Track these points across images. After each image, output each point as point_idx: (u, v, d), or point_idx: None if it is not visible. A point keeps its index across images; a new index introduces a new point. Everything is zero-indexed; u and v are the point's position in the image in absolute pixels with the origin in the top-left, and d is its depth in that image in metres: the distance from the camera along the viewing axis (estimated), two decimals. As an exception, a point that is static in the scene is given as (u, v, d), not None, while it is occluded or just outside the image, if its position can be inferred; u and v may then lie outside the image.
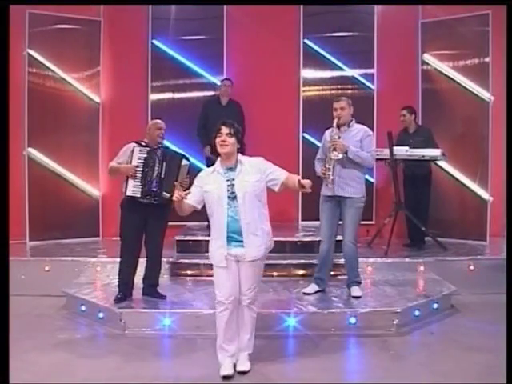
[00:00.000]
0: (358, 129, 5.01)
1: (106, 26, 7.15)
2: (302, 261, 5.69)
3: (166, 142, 7.02)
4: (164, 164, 4.77)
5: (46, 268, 5.75)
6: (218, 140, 3.72)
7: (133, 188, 4.76)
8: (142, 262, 5.01)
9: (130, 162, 4.79)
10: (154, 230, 4.90)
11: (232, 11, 7.22)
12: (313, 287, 5.11)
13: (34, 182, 6.82)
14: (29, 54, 6.78)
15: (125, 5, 6.94)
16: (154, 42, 7.21)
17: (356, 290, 5.04)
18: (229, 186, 3.69)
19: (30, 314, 5.06)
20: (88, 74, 7.11)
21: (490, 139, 6.73)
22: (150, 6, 7.16)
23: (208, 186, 3.72)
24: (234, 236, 3.69)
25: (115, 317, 4.65)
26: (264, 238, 3.75)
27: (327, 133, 5.10)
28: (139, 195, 4.76)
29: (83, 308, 4.99)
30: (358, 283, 5.12)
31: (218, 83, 6.94)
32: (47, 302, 5.32)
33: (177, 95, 7.31)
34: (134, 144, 4.88)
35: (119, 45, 7.22)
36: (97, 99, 7.16)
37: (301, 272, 5.64)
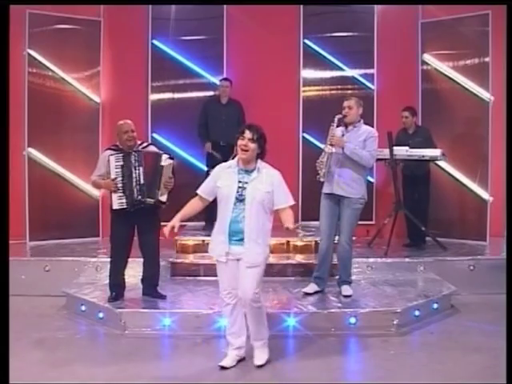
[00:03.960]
0: (364, 129, 5.00)
1: (106, 26, 7.13)
2: (302, 261, 5.68)
3: (165, 142, 7.12)
4: (140, 169, 4.67)
5: (46, 268, 5.76)
6: (239, 143, 3.72)
7: (118, 200, 4.72)
8: (139, 263, 5.02)
9: (110, 173, 4.74)
10: (146, 234, 4.89)
11: (232, 11, 7.22)
12: (312, 287, 5.10)
13: (34, 181, 6.81)
14: (29, 54, 6.77)
15: (125, 5, 6.93)
16: (154, 41, 7.20)
17: (347, 289, 5.05)
18: (240, 187, 3.71)
19: (30, 314, 5.06)
20: (88, 74, 7.10)
21: (489, 139, 6.72)
22: (150, 6, 7.16)
23: (220, 182, 3.77)
24: (235, 234, 3.72)
25: (115, 317, 4.65)
26: (264, 249, 3.79)
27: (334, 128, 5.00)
28: (125, 206, 4.72)
29: (83, 308, 4.99)
30: (349, 283, 5.14)
31: (218, 83, 6.93)
32: (47, 302, 5.31)
33: (177, 95, 7.30)
34: (109, 152, 4.80)
35: (119, 45, 7.21)
36: (97, 99, 7.15)
37: (301, 272, 5.63)
